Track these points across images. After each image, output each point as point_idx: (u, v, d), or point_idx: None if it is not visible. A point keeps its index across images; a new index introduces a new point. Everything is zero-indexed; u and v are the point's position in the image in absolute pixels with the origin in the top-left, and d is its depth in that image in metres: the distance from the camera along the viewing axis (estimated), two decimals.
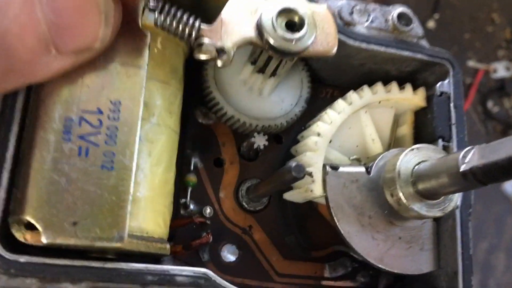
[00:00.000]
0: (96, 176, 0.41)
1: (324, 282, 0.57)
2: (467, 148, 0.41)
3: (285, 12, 0.47)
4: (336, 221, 0.49)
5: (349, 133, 0.55)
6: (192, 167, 0.55)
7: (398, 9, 0.55)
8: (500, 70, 1.86)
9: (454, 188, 0.43)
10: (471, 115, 1.83)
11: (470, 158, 0.40)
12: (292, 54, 0.47)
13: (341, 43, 0.52)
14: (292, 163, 0.45)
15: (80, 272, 0.41)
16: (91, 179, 0.41)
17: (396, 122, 0.57)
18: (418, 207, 0.46)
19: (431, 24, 1.86)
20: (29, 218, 0.40)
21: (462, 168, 0.40)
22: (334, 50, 0.49)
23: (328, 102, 0.57)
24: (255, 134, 0.54)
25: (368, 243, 0.50)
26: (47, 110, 0.42)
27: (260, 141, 0.54)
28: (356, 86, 0.56)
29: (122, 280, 0.42)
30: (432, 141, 0.54)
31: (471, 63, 1.87)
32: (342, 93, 0.57)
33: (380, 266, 0.50)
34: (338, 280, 0.57)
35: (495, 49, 1.91)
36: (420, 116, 0.56)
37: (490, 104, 1.84)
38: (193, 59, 0.47)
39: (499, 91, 1.86)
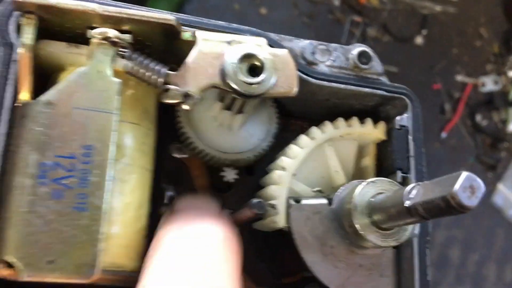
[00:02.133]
0: (69, 217, 0.45)
1: None
2: (412, 185, 0.44)
3: (246, 57, 0.50)
4: (300, 251, 0.52)
5: (314, 165, 0.58)
6: (166, 200, 0.59)
7: (358, 48, 0.58)
8: (488, 84, 1.90)
9: (402, 221, 0.46)
10: (460, 129, 1.86)
11: (414, 194, 0.44)
12: (254, 96, 0.50)
13: (304, 82, 0.56)
14: (253, 200, 0.48)
15: None
16: (65, 220, 0.45)
17: (360, 153, 0.61)
18: (374, 238, 0.50)
19: (419, 40, 1.89)
20: (8, 259, 0.43)
21: (406, 203, 0.44)
22: (295, 90, 0.52)
23: (298, 134, 0.60)
24: (225, 168, 0.57)
25: (331, 272, 0.53)
26: (23, 156, 0.45)
27: (229, 175, 0.58)
28: (324, 118, 0.59)
29: None
30: (392, 172, 0.57)
31: (460, 77, 1.90)
32: (311, 125, 0.60)
33: None
34: None
35: (483, 63, 1.94)
36: (382, 148, 0.60)
37: (479, 117, 1.87)
38: None
39: (488, 104, 1.89)
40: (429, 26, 1.91)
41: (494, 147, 1.84)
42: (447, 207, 0.40)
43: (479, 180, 0.39)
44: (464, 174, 0.39)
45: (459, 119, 1.85)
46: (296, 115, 0.65)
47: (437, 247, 1.69)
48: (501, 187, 1.81)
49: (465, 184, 0.39)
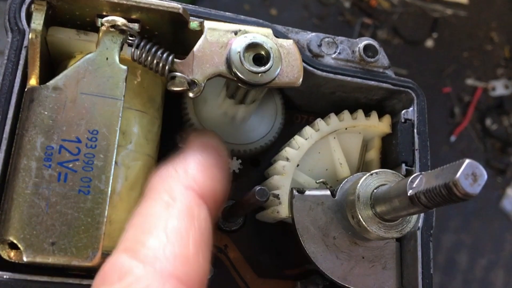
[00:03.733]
0: (73, 200, 0.45)
1: None
2: (415, 174, 0.44)
3: (252, 46, 0.51)
4: (302, 241, 0.52)
5: (318, 157, 0.58)
6: None
7: (365, 41, 0.58)
8: (498, 88, 1.89)
9: (405, 211, 0.46)
10: (470, 133, 1.85)
11: (417, 183, 0.44)
12: (259, 85, 0.51)
13: (310, 74, 0.56)
14: (257, 187, 0.48)
15: None
16: (69, 202, 0.45)
17: (365, 147, 0.61)
18: (377, 229, 0.49)
19: (429, 43, 1.89)
20: (11, 238, 0.44)
21: (409, 192, 0.44)
22: (300, 81, 0.52)
23: (302, 127, 0.60)
24: (229, 159, 0.57)
25: (333, 263, 0.53)
26: (30, 139, 0.46)
27: (234, 165, 0.58)
28: (329, 112, 0.60)
29: None
30: (396, 165, 0.57)
31: (470, 81, 1.89)
32: (316, 119, 0.60)
33: (344, 284, 0.53)
34: None
35: (493, 68, 1.93)
36: (387, 142, 0.60)
37: (488, 122, 1.86)
38: None
39: (498, 109, 1.88)
40: (439, 29, 1.90)
41: (503, 151, 1.83)
42: (449, 195, 0.40)
43: (481, 167, 0.39)
44: (466, 161, 0.39)
45: (469, 123, 1.84)
46: (301, 109, 0.65)
47: (445, 252, 1.67)
48: (510, 192, 1.79)
49: (467, 171, 0.38)
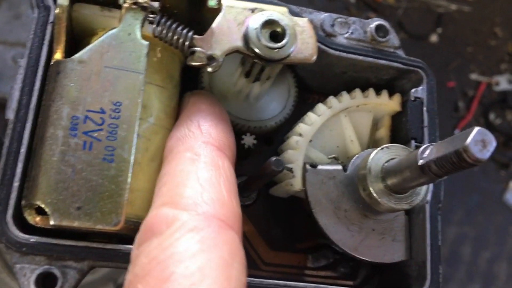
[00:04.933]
0: (98, 167, 0.47)
1: (307, 272, 0.62)
2: (426, 145, 0.46)
3: (269, 23, 0.53)
4: (314, 213, 0.54)
5: (330, 134, 0.60)
6: None
7: (376, 22, 0.60)
8: (502, 83, 1.90)
9: (415, 181, 0.48)
10: (474, 127, 1.87)
11: (428, 153, 0.45)
12: (275, 61, 0.53)
13: (323, 53, 0.58)
14: (272, 158, 0.50)
15: (83, 252, 0.47)
16: (94, 170, 0.47)
17: (375, 126, 0.62)
18: (387, 201, 0.51)
19: (434, 38, 1.91)
20: (39, 203, 0.46)
21: (420, 162, 0.45)
22: (314, 58, 0.54)
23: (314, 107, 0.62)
24: (243, 135, 0.59)
25: (344, 234, 0.55)
26: (56, 109, 0.48)
27: (248, 140, 0.60)
28: (340, 93, 0.61)
29: (119, 260, 0.48)
30: (406, 142, 0.59)
31: (474, 76, 1.91)
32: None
33: (355, 255, 0.55)
34: (320, 270, 0.62)
35: (497, 63, 1.94)
36: (396, 120, 0.61)
37: (492, 116, 1.88)
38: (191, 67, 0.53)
39: (502, 103, 1.89)
40: (444, 24, 1.92)
41: (507, 145, 1.84)
42: (459, 161, 0.41)
43: (490, 134, 0.41)
44: (476, 129, 0.41)
45: (473, 117, 1.85)
46: (313, 89, 0.67)
47: (448, 244, 1.69)
48: None
49: (477, 138, 0.40)
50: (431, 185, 0.56)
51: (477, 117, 1.87)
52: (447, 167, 0.43)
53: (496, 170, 1.84)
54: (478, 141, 0.40)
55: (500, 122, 1.88)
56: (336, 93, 0.62)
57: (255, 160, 0.63)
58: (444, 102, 1.84)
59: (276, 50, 0.52)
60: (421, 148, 0.46)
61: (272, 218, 0.62)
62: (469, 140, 0.40)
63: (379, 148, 0.53)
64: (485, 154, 0.40)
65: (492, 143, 0.41)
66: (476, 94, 1.87)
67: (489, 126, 1.87)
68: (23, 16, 1.60)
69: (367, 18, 1.82)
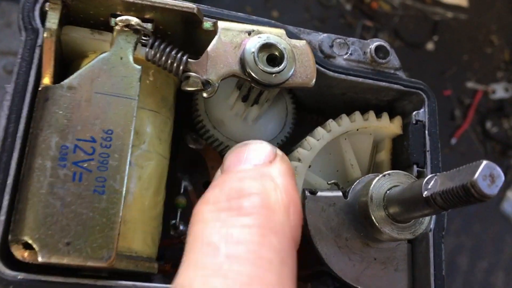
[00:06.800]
0: (88, 199, 0.45)
1: None
2: (430, 176, 0.44)
3: (266, 47, 0.51)
4: (314, 242, 0.52)
5: (330, 158, 0.58)
6: (182, 190, 0.59)
7: (376, 43, 0.59)
8: (498, 91, 1.89)
9: (419, 212, 0.46)
10: (470, 135, 1.86)
11: (432, 184, 0.44)
12: (273, 86, 0.51)
13: (321, 74, 0.56)
14: None
15: None
16: (84, 202, 0.45)
17: (375, 148, 0.61)
18: (390, 230, 0.50)
19: (430, 46, 1.90)
20: (26, 239, 0.44)
21: (425, 194, 0.44)
22: (313, 82, 0.52)
23: (313, 128, 0.60)
24: None
25: (345, 264, 0.53)
26: (45, 139, 0.46)
27: None
28: (339, 113, 0.60)
29: None
30: (408, 166, 0.57)
31: (470, 84, 1.90)
32: (326, 120, 0.60)
33: (356, 286, 0.53)
34: None
35: (494, 70, 1.94)
36: (397, 143, 0.60)
37: (489, 124, 1.87)
38: None
39: (498, 112, 1.89)
40: (440, 32, 1.91)
41: (503, 154, 1.83)
42: (466, 196, 0.40)
43: (498, 168, 0.39)
44: (484, 163, 0.39)
45: (469, 125, 1.84)
46: (311, 109, 0.65)
47: (445, 254, 1.67)
48: (510, 194, 1.80)
49: (485, 173, 0.39)
50: None
51: (474, 125, 1.86)
52: (453, 200, 0.41)
53: None
54: (486, 176, 0.39)
55: (496, 130, 1.87)
56: (335, 113, 0.60)
57: None
58: (441, 111, 1.81)
59: (274, 74, 0.50)
60: (426, 179, 0.44)
61: None
62: (477, 175, 0.39)
63: (380, 175, 0.51)
64: (493, 189, 0.39)
65: (501, 178, 0.39)
66: (473, 102, 1.86)
67: (485, 134, 1.87)
68: (14, 25, 1.58)
69: (363, 26, 1.81)
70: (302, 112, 0.64)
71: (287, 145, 0.61)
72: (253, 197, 0.40)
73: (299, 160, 0.55)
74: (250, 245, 0.37)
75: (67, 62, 0.53)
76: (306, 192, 0.54)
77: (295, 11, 1.77)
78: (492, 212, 1.77)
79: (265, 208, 0.39)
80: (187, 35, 0.54)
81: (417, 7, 1.90)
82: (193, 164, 0.60)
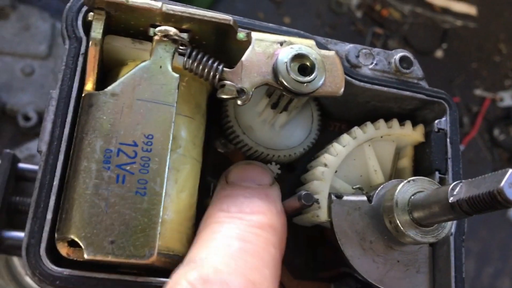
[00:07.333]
0: (131, 200, 0.48)
1: None
2: (455, 182, 0.47)
3: (298, 57, 0.53)
4: (340, 245, 0.55)
5: (354, 164, 0.60)
6: (211, 193, 0.61)
7: (400, 53, 0.61)
8: (506, 99, 1.92)
9: (444, 217, 0.48)
10: (478, 142, 1.88)
11: (458, 191, 0.46)
12: (304, 94, 0.53)
13: (348, 83, 0.59)
14: (302, 192, 0.51)
15: (115, 285, 0.47)
16: (127, 203, 0.47)
17: (397, 155, 0.63)
18: (414, 234, 0.52)
19: (439, 53, 1.92)
20: (73, 237, 0.46)
21: (451, 200, 0.46)
22: (341, 91, 0.55)
23: (336, 135, 0.63)
24: (268, 164, 0.60)
25: (369, 266, 0.55)
26: (89, 142, 0.48)
27: (273, 170, 0.60)
28: (361, 121, 0.62)
29: None
30: (429, 173, 0.59)
31: (478, 92, 1.92)
32: (349, 127, 0.63)
33: (380, 286, 0.55)
34: None
35: (502, 79, 1.96)
36: (419, 150, 0.62)
37: (496, 132, 1.89)
38: (214, 95, 0.54)
39: (506, 119, 1.91)
40: (449, 40, 1.93)
41: (511, 161, 1.86)
42: (492, 202, 0.42)
43: None
44: (510, 171, 0.41)
45: (477, 133, 1.87)
46: (335, 116, 0.67)
47: None
48: None
49: (510, 180, 0.41)
50: None
51: (482, 132, 1.89)
52: (479, 206, 0.44)
53: None
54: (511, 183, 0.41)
55: (504, 138, 1.89)
56: (357, 121, 0.62)
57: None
58: None
59: (305, 84, 0.52)
60: (451, 185, 0.47)
61: (295, 247, 0.63)
62: (503, 182, 0.41)
63: (405, 181, 0.53)
64: None
65: None
66: (481, 110, 1.89)
67: (493, 141, 1.89)
68: (32, 28, 1.60)
69: (374, 33, 1.83)
70: (326, 118, 0.67)
71: (313, 151, 0.63)
72: (261, 217, 0.51)
73: (325, 165, 0.58)
74: (256, 247, 0.49)
75: (106, 69, 0.56)
76: (332, 196, 0.56)
77: (307, 18, 1.80)
78: (499, 218, 1.79)
79: (269, 226, 0.51)
80: (220, 45, 0.56)
81: (426, 15, 1.92)
82: (222, 168, 0.62)
